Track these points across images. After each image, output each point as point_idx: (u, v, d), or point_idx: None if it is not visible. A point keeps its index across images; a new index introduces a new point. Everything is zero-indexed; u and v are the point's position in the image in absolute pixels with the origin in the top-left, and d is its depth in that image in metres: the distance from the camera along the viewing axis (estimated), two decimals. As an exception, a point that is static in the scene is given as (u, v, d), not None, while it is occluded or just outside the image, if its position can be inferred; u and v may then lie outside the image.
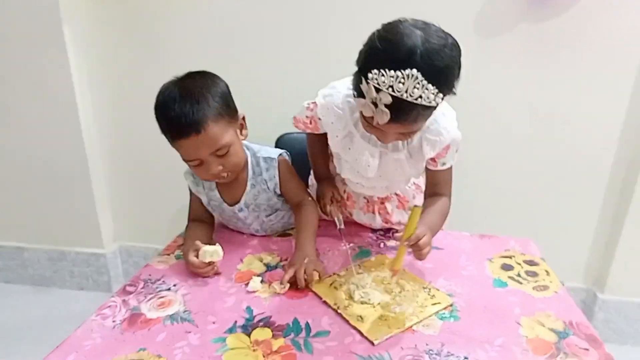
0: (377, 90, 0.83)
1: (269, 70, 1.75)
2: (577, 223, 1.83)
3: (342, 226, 1.14)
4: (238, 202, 1.17)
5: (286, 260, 1.14)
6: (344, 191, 1.28)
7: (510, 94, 1.65)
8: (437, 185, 1.14)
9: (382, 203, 1.25)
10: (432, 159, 1.09)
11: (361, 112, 0.91)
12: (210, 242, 1.07)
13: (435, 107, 0.88)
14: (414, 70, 0.80)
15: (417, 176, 1.15)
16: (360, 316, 0.92)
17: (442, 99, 0.86)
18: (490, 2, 1.57)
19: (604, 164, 1.73)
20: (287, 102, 1.74)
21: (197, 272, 1.05)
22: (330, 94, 1.08)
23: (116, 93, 1.89)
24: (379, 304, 0.96)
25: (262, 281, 1.04)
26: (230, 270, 1.08)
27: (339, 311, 0.94)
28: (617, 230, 1.76)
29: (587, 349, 0.88)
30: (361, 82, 0.85)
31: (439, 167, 1.11)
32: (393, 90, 0.82)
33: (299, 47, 1.70)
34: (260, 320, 0.93)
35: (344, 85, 1.09)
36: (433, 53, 0.81)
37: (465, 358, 0.85)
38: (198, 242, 1.05)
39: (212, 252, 1.02)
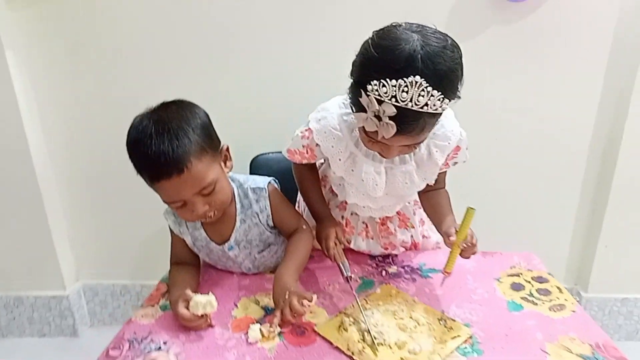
0: (379, 102, 0.76)
1: (236, 87, 1.64)
2: (556, 222, 1.83)
3: (349, 273, 1.02)
4: (227, 240, 1.06)
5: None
6: (342, 217, 1.19)
7: (483, 94, 1.62)
8: (437, 182, 1.09)
9: (384, 224, 1.18)
10: (445, 163, 1.05)
11: (362, 128, 0.84)
12: (200, 291, 0.96)
13: (440, 114, 0.82)
14: (417, 77, 0.74)
15: (431, 182, 1.06)
16: None
17: (448, 104, 0.80)
18: (461, 3, 1.53)
19: (579, 162, 1.73)
20: (258, 121, 1.67)
21: (188, 325, 0.93)
22: (324, 117, 1.00)
23: (70, 121, 1.73)
24: (395, 344, 0.88)
25: (262, 329, 0.93)
26: (225, 318, 0.97)
27: (354, 357, 0.85)
28: (597, 229, 1.77)
29: (620, 374, 0.83)
30: (360, 95, 0.78)
31: (450, 167, 1.08)
32: (397, 101, 0.75)
33: (269, 62, 1.62)
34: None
35: (335, 105, 1.02)
36: (434, 56, 0.75)
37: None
38: (188, 292, 0.93)
39: (205, 304, 0.91)
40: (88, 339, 1.96)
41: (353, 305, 0.99)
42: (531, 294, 1.06)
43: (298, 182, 1.19)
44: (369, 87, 0.76)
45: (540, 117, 1.65)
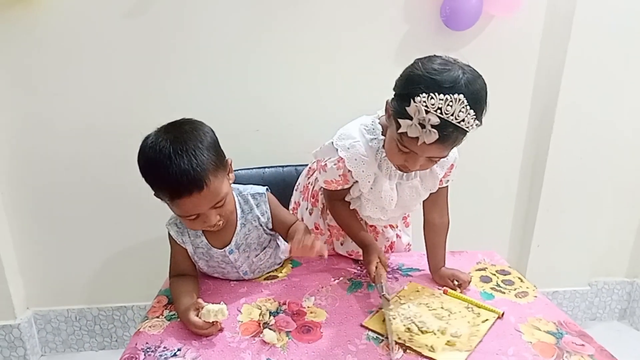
0: (426, 112, 0.88)
1: (211, 102, 1.69)
2: (496, 226, 2.03)
3: (386, 294, 1.07)
4: (228, 244, 1.11)
5: (284, 303, 1.10)
6: (332, 220, 1.30)
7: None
8: (442, 206, 1.24)
9: (372, 225, 1.29)
10: (440, 180, 1.18)
11: (395, 141, 0.97)
12: (203, 299, 1.01)
13: (466, 134, 0.95)
14: (461, 96, 0.88)
15: (434, 190, 1.20)
16: (432, 346, 0.94)
17: (476, 126, 0.93)
18: (411, 32, 1.70)
19: (513, 174, 1.95)
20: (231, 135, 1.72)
21: (199, 333, 0.97)
22: (352, 145, 1.10)
23: (15, 146, 1.69)
24: (438, 330, 0.99)
25: (273, 330, 1.00)
26: (232, 324, 1.02)
27: (406, 344, 0.95)
28: (530, 230, 2.00)
29: (583, 345, 0.98)
30: (408, 105, 0.90)
31: (444, 185, 1.20)
32: (441, 113, 0.88)
33: (236, 68, 1.68)
34: (224, 316, 0.95)
35: (357, 131, 1.12)
36: (473, 82, 0.90)
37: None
38: (200, 301, 0.99)
39: (216, 311, 0.95)
40: (41, 369, 1.87)
41: (390, 303, 1.08)
42: (498, 285, 1.21)
43: (337, 217, 1.27)
44: (418, 98, 0.88)
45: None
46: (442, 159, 1.08)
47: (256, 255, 1.17)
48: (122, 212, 1.81)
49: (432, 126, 0.89)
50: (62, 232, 1.82)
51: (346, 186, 1.17)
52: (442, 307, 1.08)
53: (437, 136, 0.90)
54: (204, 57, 1.65)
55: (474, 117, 0.91)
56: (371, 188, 1.14)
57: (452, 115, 0.89)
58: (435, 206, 1.22)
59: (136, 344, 0.95)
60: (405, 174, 1.13)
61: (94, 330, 1.96)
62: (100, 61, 1.62)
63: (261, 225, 1.15)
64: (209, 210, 0.98)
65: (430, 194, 1.20)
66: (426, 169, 1.08)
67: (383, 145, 1.09)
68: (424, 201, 1.23)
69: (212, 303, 0.98)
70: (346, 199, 1.24)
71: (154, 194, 0.99)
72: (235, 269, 1.16)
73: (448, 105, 0.88)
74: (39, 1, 1.52)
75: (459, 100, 0.88)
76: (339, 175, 1.13)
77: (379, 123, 1.13)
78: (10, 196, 1.74)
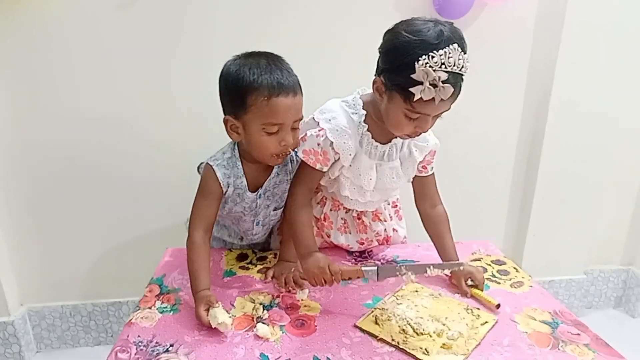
0: (433, 71, 0.90)
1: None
2: (492, 216, 2.03)
3: (374, 267, 1.03)
4: (260, 187, 1.16)
5: (278, 297, 1.10)
6: (322, 212, 1.28)
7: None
8: (432, 195, 1.23)
9: (359, 218, 1.28)
10: (423, 166, 1.19)
11: (405, 108, 0.97)
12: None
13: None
14: (454, 45, 0.91)
15: (407, 182, 1.20)
16: (426, 349, 0.91)
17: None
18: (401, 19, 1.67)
19: (508, 165, 1.94)
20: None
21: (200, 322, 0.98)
22: (334, 117, 1.10)
23: (7, 141, 1.65)
24: (434, 332, 0.96)
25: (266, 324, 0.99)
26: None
27: (399, 346, 0.92)
28: (526, 220, 1.99)
29: (578, 334, 0.98)
30: (412, 72, 0.91)
31: (429, 172, 1.20)
32: (445, 67, 0.90)
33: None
34: (224, 330, 0.93)
35: (337, 106, 1.12)
36: (453, 30, 0.93)
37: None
38: (212, 298, 0.98)
39: (220, 323, 0.94)
40: (36, 366, 1.86)
41: (385, 302, 1.07)
42: (494, 275, 1.20)
43: (294, 212, 1.14)
44: (420, 62, 0.90)
45: (470, 124, 1.83)
46: (421, 145, 1.14)
47: (274, 209, 1.22)
48: (116, 207, 1.79)
49: (443, 82, 0.90)
50: (56, 227, 1.80)
51: (323, 167, 1.13)
52: (440, 308, 1.04)
53: (452, 89, 0.92)
54: (204, 49, 1.62)
55: (467, 59, 0.93)
56: (350, 165, 1.12)
57: (454, 65, 0.91)
58: (424, 197, 1.22)
59: (128, 336, 0.94)
60: (385, 153, 1.13)
61: (89, 326, 1.94)
62: (99, 53, 1.58)
63: (287, 182, 1.19)
64: (293, 123, 1.04)
65: (416, 183, 1.21)
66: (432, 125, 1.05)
67: (364, 120, 1.10)
68: (414, 194, 1.22)
69: (224, 309, 0.98)
70: (322, 182, 1.20)
71: (231, 108, 1.05)
72: (253, 217, 1.21)
73: (449, 57, 0.90)
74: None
75: (454, 49, 0.90)
76: (318, 145, 1.09)
77: (360, 98, 1.13)
78: (2, 191, 1.71)
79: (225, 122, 1.06)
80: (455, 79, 0.93)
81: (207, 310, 0.97)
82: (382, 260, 1.27)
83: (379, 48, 1.02)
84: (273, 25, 1.63)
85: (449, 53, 0.90)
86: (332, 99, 1.15)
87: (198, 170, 1.16)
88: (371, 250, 1.31)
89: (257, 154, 1.08)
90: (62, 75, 1.59)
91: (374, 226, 1.30)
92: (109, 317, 1.94)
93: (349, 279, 1.05)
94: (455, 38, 0.91)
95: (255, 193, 1.16)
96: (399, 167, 1.15)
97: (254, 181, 1.15)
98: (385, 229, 1.32)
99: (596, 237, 2.05)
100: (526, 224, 2.00)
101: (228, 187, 1.12)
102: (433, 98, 0.92)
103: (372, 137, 1.11)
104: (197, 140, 1.54)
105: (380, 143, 1.12)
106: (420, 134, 1.05)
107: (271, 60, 1.02)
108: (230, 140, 1.13)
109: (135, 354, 0.90)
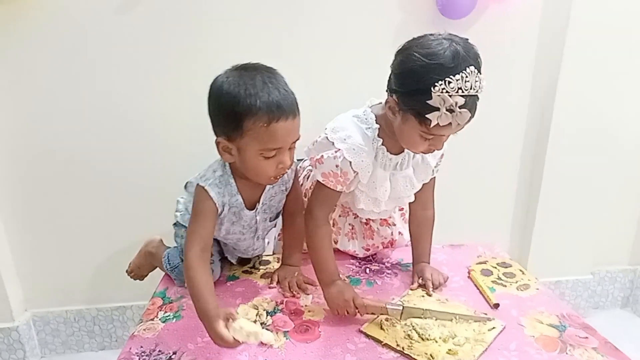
0: (450, 96, 0.87)
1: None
2: (497, 218, 2.00)
3: (398, 307, 1.01)
4: (257, 202, 1.11)
5: (281, 303, 1.08)
6: (330, 217, 1.25)
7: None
8: (427, 198, 1.21)
9: (367, 224, 1.27)
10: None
11: (421, 130, 0.95)
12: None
13: None
14: (471, 67, 0.87)
15: (426, 181, 1.18)
16: (431, 354, 0.90)
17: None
18: (407, 21, 1.67)
19: (513, 165, 1.91)
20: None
21: (222, 346, 0.87)
22: (349, 136, 1.06)
23: (10, 146, 1.65)
24: (440, 337, 0.95)
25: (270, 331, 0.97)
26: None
27: (404, 352, 0.91)
28: (531, 221, 1.97)
29: (586, 337, 0.97)
30: (429, 98, 0.88)
31: (434, 175, 1.18)
32: (462, 91, 0.88)
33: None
34: (257, 341, 0.86)
35: (350, 122, 1.09)
36: (467, 47, 0.89)
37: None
38: (234, 312, 0.89)
39: (250, 333, 0.84)
40: (41, 371, 1.86)
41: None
42: (499, 278, 1.19)
43: (313, 236, 1.11)
44: (437, 88, 0.87)
45: (474, 126, 1.80)
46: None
47: (271, 220, 1.19)
48: (120, 211, 1.78)
49: (460, 107, 0.88)
50: (60, 232, 1.79)
51: (343, 188, 1.10)
52: (425, 317, 1.01)
53: (469, 114, 0.90)
54: (204, 50, 1.60)
55: (483, 79, 0.91)
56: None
57: (471, 89, 0.89)
58: (419, 199, 1.20)
59: (130, 349, 0.93)
60: (398, 164, 1.11)
61: (94, 331, 1.94)
62: (99, 54, 1.57)
63: (283, 192, 1.15)
64: (290, 145, 0.99)
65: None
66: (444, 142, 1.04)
67: (378, 134, 1.07)
68: None
69: (245, 318, 0.90)
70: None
71: (224, 130, 0.97)
72: (253, 234, 1.16)
73: (465, 82, 0.87)
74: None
75: (472, 72, 0.88)
76: (336, 166, 1.06)
77: (371, 112, 1.10)
78: (5, 196, 1.71)
79: (217, 144, 0.98)
80: (472, 102, 0.91)
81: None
82: (386, 263, 1.26)
83: (391, 66, 0.98)
84: (274, 23, 1.61)
85: (466, 77, 0.87)
86: (342, 115, 1.11)
87: (185, 188, 1.13)
88: (375, 254, 1.30)
89: (252, 176, 1.02)
90: (61, 78, 1.58)
91: (381, 231, 1.29)
92: (113, 321, 1.94)
93: (372, 313, 1.02)
94: (471, 58, 0.88)
95: (254, 210, 1.10)
96: (412, 175, 1.13)
97: (250, 197, 1.09)
98: (392, 233, 1.31)
99: (602, 237, 2.02)
100: (532, 225, 1.98)
101: (223, 206, 1.05)
102: (450, 123, 0.91)
103: (387, 150, 1.09)
104: (202, 142, 1.52)
105: (394, 154, 1.10)
106: (434, 151, 1.04)
107: (267, 77, 0.94)
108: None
109: (138, 364, 0.89)
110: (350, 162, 1.06)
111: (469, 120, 0.93)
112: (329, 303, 1.05)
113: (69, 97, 1.61)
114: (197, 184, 1.03)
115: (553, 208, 1.92)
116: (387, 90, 1.01)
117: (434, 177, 1.20)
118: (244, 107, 0.91)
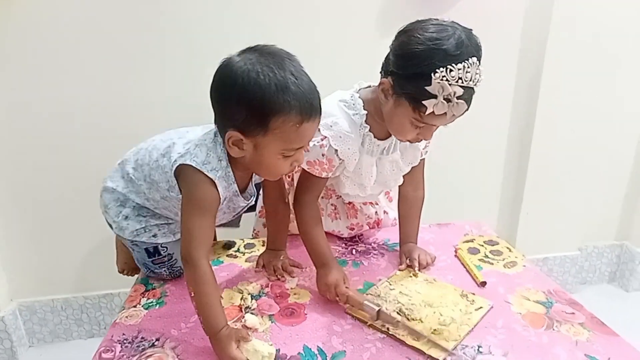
0: (449, 85, 0.85)
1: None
2: (486, 196, 2.00)
3: (379, 307, 0.95)
4: (246, 188, 1.03)
5: (267, 286, 1.07)
6: None
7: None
8: (418, 179, 1.19)
9: (350, 203, 1.25)
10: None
11: (413, 117, 0.92)
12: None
13: None
14: (473, 58, 0.85)
15: (415, 164, 1.15)
16: (416, 335, 0.89)
17: None
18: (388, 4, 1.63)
19: (501, 146, 1.92)
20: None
21: None
22: (335, 122, 1.02)
23: None
24: (427, 317, 0.94)
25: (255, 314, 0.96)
26: (212, 309, 0.98)
27: (390, 332, 0.90)
28: (519, 199, 1.97)
29: (573, 313, 0.96)
30: (427, 84, 0.85)
31: (424, 157, 1.16)
32: (462, 82, 0.85)
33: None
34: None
35: (337, 107, 1.05)
36: (470, 36, 0.87)
37: (479, 346, 0.87)
38: (243, 332, 0.84)
39: (266, 356, 0.82)
40: (29, 360, 1.84)
41: (377, 287, 1.05)
42: (487, 256, 1.18)
43: (304, 221, 1.08)
44: (437, 75, 0.84)
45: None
46: None
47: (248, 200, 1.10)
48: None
49: (458, 97, 0.86)
50: (44, 220, 1.76)
51: (329, 174, 1.07)
52: (434, 294, 1.02)
53: (465, 106, 0.88)
54: (194, 41, 1.57)
55: (482, 71, 0.89)
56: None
57: (471, 80, 0.87)
58: (410, 179, 1.17)
59: (112, 336, 0.92)
60: (385, 149, 1.08)
61: (82, 319, 1.92)
62: (85, 44, 1.54)
63: None
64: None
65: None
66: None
67: (366, 121, 1.04)
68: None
69: (257, 338, 0.86)
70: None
71: (241, 124, 0.83)
72: (233, 213, 1.08)
73: (466, 72, 0.85)
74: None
75: (473, 63, 0.86)
76: (322, 155, 1.03)
77: (359, 97, 1.06)
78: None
79: (227, 138, 0.85)
80: (470, 94, 0.89)
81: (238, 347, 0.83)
82: (372, 244, 1.25)
83: (390, 46, 0.94)
84: (250, 6, 1.58)
85: (467, 67, 0.85)
86: (328, 99, 1.06)
87: (175, 174, 0.93)
88: (362, 235, 1.29)
89: (261, 172, 0.95)
90: (46, 67, 1.55)
91: (365, 210, 1.27)
92: (100, 309, 1.92)
93: (352, 305, 0.98)
94: (474, 49, 0.86)
95: (244, 196, 1.02)
96: (399, 159, 1.11)
97: (241, 184, 1.00)
98: (376, 212, 1.29)
99: (590, 213, 2.03)
100: (519, 203, 1.98)
101: (224, 200, 0.96)
102: (445, 113, 0.88)
103: (374, 136, 1.06)
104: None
105: (381, 139, 1.07)
106: (421, 141, 1.01)
107: (295, 67, 0.83)
108: (213, 133, 0.94)
109: (120, 352, 0.88)
110: (337, 150, 1.03)
111: (462, 114, 0.90)
112: (317, 285, 1.04)
113: (51, 85, 1.57)
114: (204, 173, 0.89)
115: (540, 186, 1.93)
116: (381, 72, 0.97)
117: (424, 159, 1.17)
118: (275, 103, 0.80)
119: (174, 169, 0.92)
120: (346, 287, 0.99)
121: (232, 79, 0.81)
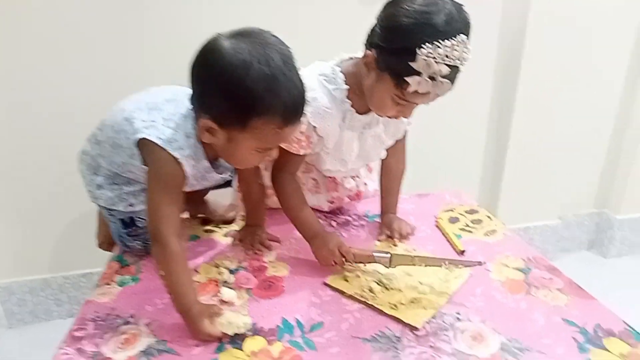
0: (435, 63, 0.81)
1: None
2: (468, 168, 2.00)
3: (388, 255, 0.97)
4: (216, 160, 0.96)
5: (244, 260, 1.05)
6: None
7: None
8: (401, 151, 1.17)
9: (330, 177, 1.22)
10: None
11: (395, 93, 0.88)
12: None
13: None
14: (462, 36, 0.81)
15: (399, 137, 1.13)
16: (395, 304, 0.88)
17: None
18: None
19: (482, 102, 1.90)
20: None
21: (206, 341, 0.82)
22: (314, 98, 0.97)
23: None
24: (405, 287, 0.93)
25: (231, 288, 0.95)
26: (188, 284, 0.96)
27: (368, 302, 0.89)
28: (500, 170, 1.97)
29: (551, 278, 0.97)
30: (412, 60, 0.81)
31: (407, 127, 1.13)
32: (449, 59, 0.81)
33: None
34: (247, 330, 0.83)
35: (316, 81, 1.00)
36: (461, 10, 0.83)
37: (458, 313, 0.87)
38: (215, 308, 0.84)
39: (243, 325, 0.81)
40: (9, 341, 1.81)
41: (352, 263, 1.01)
42: (467, 225, 1.18)
43: (286, 198, 1.07)
44: (424, 51, 0.80)
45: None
46: None
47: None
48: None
49: (442, 76, 0.83)
50: (18, 199, 1.71)
51: (307, 151, 1.04)
52: (414, 264, 1.00)
53: (450, 85, 0.84)
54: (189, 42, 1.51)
55: (470, 50, 0.84)
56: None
57: (458, 59, 0.83)
58: (393, 151, 1.15)
59: (85, 314, 0.89)
60: (367, 123, 1.05)
61: (61, 299, 1.90)
62: (80, 42, 1.50)
63: None
64: None
65: None
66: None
67: (347, 96, 1.00)
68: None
69: (231, 310, 0.86)
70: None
71: (224, 118, 0.80)
72: (205, 183, 1.00)
73: (454, 50, 0.81)
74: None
75: (462, 41, 0.82)
76: (301, 133, 0.99)
77: (341, 71, 1.01)
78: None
79: (201, 125, 0.82)
80: (455, 74, 0.85)
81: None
82: (352, 216, 1.24)
83: (376, 18, 0.90)
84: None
85: (455, 45, 0.81)
86: (307, 72, 1.01)
87: (138, 146, 0.88)
88: (342, 207, 1.27)
89: (232, 162, 0.92)
90: (46, 67, 1.52)
91: (346, 183, 1.25)
92: (80, 288, 1.89)
93: (360, 262, 0.98)
94: (464, 26, 0.82)
95: (218, 170, 0.97)
96: (382, 133, 1.08)
97: (211, 157, 0.94)
98: (357, 185, 1.27)
99: (569, 182, 2.05)
100: (501, 172, 1.98)
101: (194, 177, 0.92)
102: (428, 91, 0.85)
103: (356, 111, 1.02)
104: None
105: (363, 114, 1.03)
106: (400, 118, 0.98)
107: (287, 63, 0.78)
108: (185, 108, 0.87)
109: (93, 330, 0.85)
110: (315, 127, 1.00)
111: (445, 93, 0.87)
112: (316, 257, 1.01)
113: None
114: (167, 151, 0.84)
115: (521, 156, 1.93)
116: (366, 44, 0.93)
117: (406, 132, 1.15)
118: (260, 105, 0.76)
119: (136, 140, 0.87)
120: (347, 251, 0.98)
121: (219, 67, 0.76)
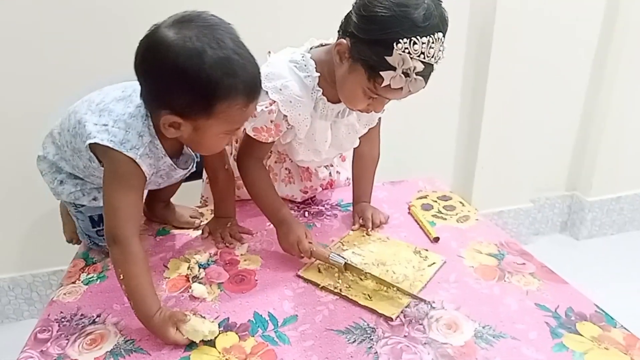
0: (410, 59, 0.79)
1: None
2: (441, 152, 2.01)
3: (344, 260, 0.93)
4: (181, 155, 0.96)
5: (215, 254, 1.03)
6: (266, 165, 1.18)
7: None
8: (374, 138, 1.15)
9: (303, 167, 1.21)
10: None
11: (366, 86, 0.86)
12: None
13: None
14: (439, 34, 0.80)
15: (373, 125, 1.11)
16: (368, 294, 0.87)
17: None
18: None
19: (454, 86, 1.90)
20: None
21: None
22: (285, 85, 0.94)
23: None
24: (379, 275, 0.91)
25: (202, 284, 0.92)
26: (157, 281, 0.93)
27: (342, 294, 0.88)
28: (474, 154, 1.98)
29: (524, 263, 0.97)
30: (388, 54, 0.79)
31: (381, 114, 1.11)
32: (424, 57, 0.80)
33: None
34: (218, 326, 0.82)
35: (287, 68, 0.96)
36: (441, 11, 0.81)
37: (432, 302, 0.86)
38: (179, 314, 0.79)
39: (207, 334, 0.78)
40: (-22, 343, 1.76)
41: (329, 249, 1.01)
42: (440, 212, 1.17)
43: (252, 184, 1.05)
44: (400, 46, 0.78)
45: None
46: None
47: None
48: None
49: (417, 73, 0.81)
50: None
51: (276, 139, 1.02)
52: (387, 252, 1.00)
53: (423, 83, 0.83)
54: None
55: (445, 49, 0.83)
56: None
57: (433, 57, 0.81)
58: (367, 139, 1.13)
59: (49, 315, 0.86)
60: (340, 112, 1.03)
61: (32, 298, 1.85)
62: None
63: None
64: None
65: None
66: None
67: (318, 84, 0.97)
68: None
69: (196, 315, 0.82)
70: (280, 149, 1.13)
71: (187, 109, 0.77)
72: (170, 180, 1.00)
73: (430, 47, 0.80)
74: None
75: (438, 39, 0.80)
76: (271, 122, 0.97)
77: (311, 58, 0.98)
78: None
79: (163, 122, 0.79)
80: (429, 72, 0.84)
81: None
82: (325, 205, 1.22)
83: (353, 5, 0.86)
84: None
85: (432, 43, 0.79)
86: (276, 58, 0.99)
87: (90, 148, 0.85)
88: (314, 197, 1.25)
89: (200, 151, 0.91)
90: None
91: (319, 173, 1.23)
92: (51, 287, 1.84)
93: (317, 260, 0.96)
94: (442, 23, 0.81)
95: (180, 165, 0.94)
96: (355, 122, 1.06)
97: (173, 154, 0.92)
98: (330, 173, 1.25)
99: (541, 165, 2.07)
100: (474, 158, 1.99)
101: (151, 175, 0.89)
102: (401, 87, 0.83)
103: (327, 100, 0.99)
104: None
105: (335, 102, 1.01)
106: (371, 112, 0.96)
107: (235, 41, 0.76)
108: (134, 106, 0.84)
109: (57, 331, 0.82)
110: (286, 116, 0.97)
111: (417, 91, 0.86)
112: (280, 246, 1.01)
113: None
114: (122, 153, 0.81)
115: (494, 140, 1.94)
116: (339, 31, 0.89)
117: (380, 118, 1.13)
118: (222, 89, 0.75)
119: (87, 144, 0.84)
120: (309, 243, 0.96)
121: (171, 60, 0.73)
